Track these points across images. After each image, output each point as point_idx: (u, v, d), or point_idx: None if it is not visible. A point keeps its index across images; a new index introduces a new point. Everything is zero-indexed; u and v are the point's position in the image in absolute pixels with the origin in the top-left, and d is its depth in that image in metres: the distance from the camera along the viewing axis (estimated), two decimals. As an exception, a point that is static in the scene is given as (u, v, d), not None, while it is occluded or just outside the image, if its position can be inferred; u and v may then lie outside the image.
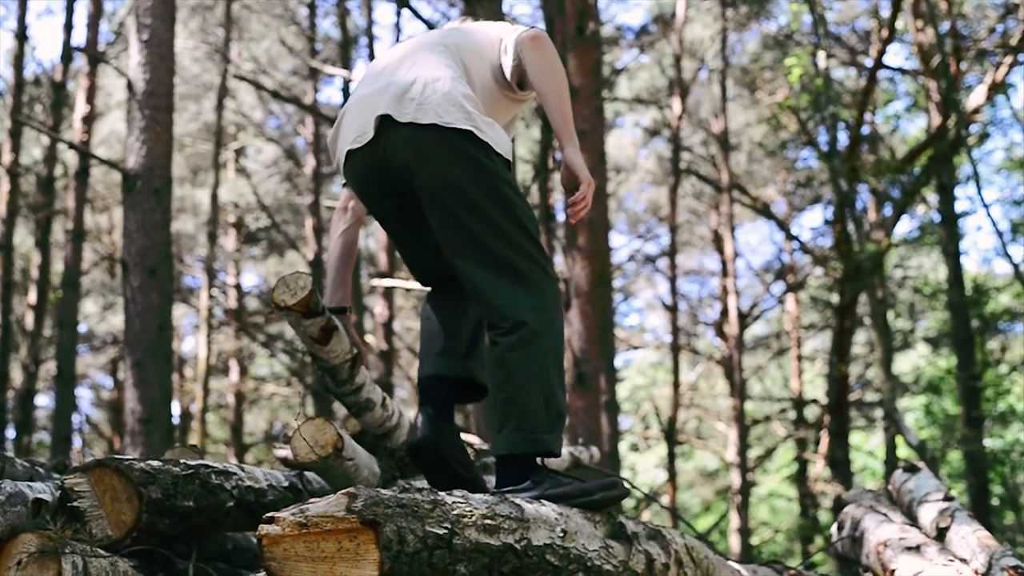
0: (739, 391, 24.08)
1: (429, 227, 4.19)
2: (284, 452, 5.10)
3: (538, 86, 4.17)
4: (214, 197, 21.94)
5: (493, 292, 3.99)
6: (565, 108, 4.15)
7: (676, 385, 25.03)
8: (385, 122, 4.07)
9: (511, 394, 3.91)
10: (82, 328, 29.53)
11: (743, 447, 24.16)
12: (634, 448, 32.92)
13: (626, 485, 3.91)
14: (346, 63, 22.05)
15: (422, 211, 4.17)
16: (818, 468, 25.71)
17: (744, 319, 25.76)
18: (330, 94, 50.74)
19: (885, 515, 5.21)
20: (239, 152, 28.08)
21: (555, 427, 3.97)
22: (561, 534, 3.31)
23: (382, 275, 21.69)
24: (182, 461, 3.51)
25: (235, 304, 27.22)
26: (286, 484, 3.93)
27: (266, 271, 30.18)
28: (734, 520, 24.19)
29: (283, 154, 27.39)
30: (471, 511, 2.97)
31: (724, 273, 25.21)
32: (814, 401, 26.30)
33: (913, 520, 5.28)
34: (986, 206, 15.15)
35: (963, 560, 4.45)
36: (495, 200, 4.00)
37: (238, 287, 27.51)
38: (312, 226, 22.63)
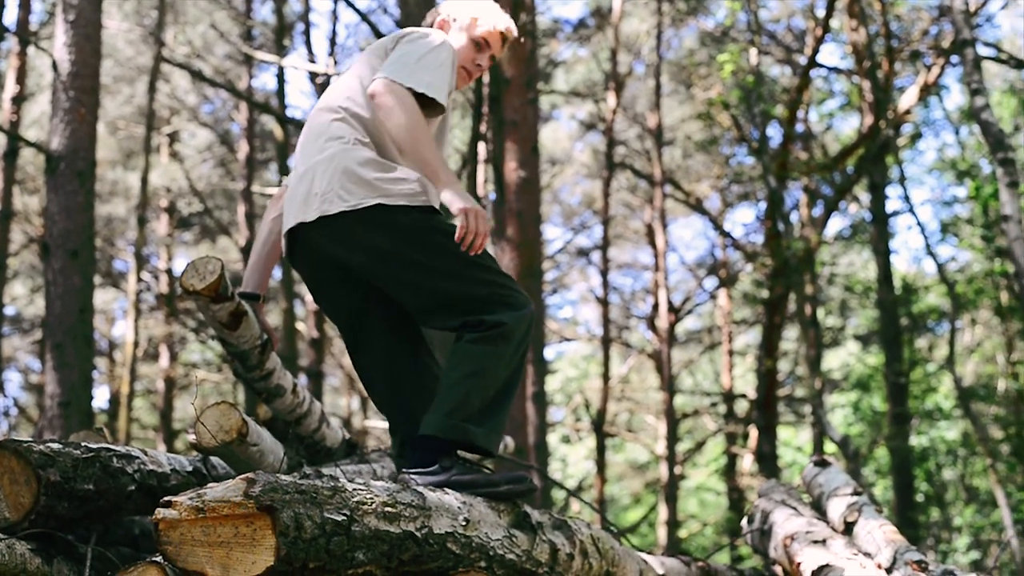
0: (669, 385, 24.18)
1: (378, 318, 4.25)
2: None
3: (390, 136, 4.15)
4: (144, 181, 21.72)
5: (459, 320, 4.01)
6: (420, 152, 4.02)
7: (607, 378, 25.08)
8: (298, 227, 4.08)
9: (454, 380, 3.91)
10: (11, 311, 29.24)
11: (672, 440, 24.26)
12: (565, 440, 33.00)
13: (535, 479, 3.91)
14: (281, 50, 21.93)
15: (367, 303, 4.22)
16: (746, 462, 25.87)
17: (676, 313, 25.84)
18: (265, 80, 50.40)
19: (795, 508, 5.26)
20: (172, 136, 27.85)
21: (486, 423, 3.96)
22: (463, 523, 3.31)
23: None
24: (83, 444, 3.47)
25: (166, 289, 26.99)
26: (190, 469, 3.91)
27: (198, 256, 29.92)
28: (663, 513, 24.31)
29: (217, 139, 27.24)
30: (371, 498, 2.97)
31: (656, 267, 25.28)
32: (743, 396, 26.45)
33: (822, 514, 5.33)
34: (911, 206, 15.34)
35: (868, 555, 4.50)
36: (430, 251, 4.02)
37: (169, 272, 27.27)
38: (244, 212, 22.50)
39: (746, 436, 26.46)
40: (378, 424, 19.61)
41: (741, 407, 27.51)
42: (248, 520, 2.60)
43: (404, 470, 3.87)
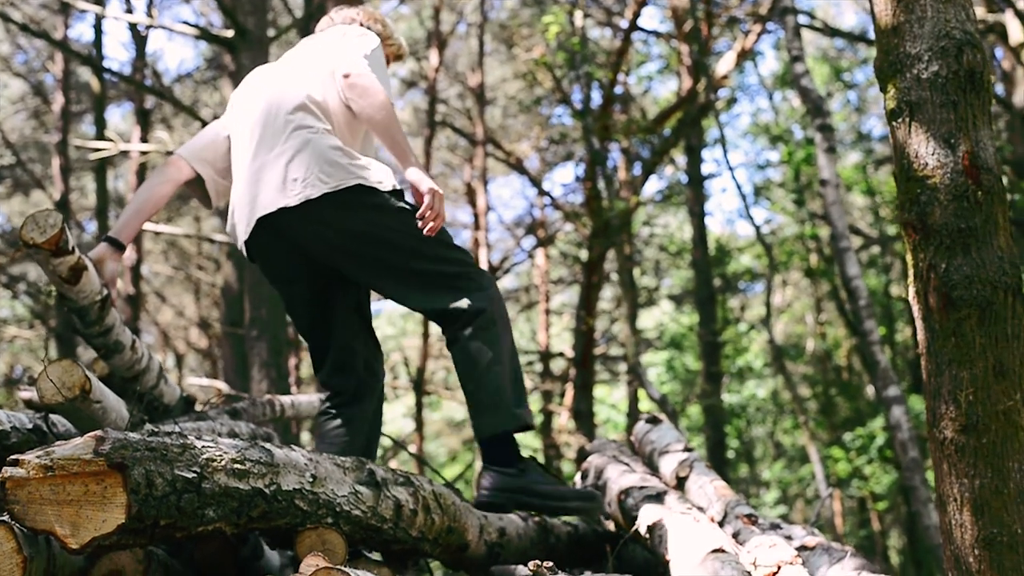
0: (488, 343, 24.23)
1: (335, 298, 4.46)
2: (29, 394, 4.99)
3: (366, 122, 4.27)
4: (-46, 132, 21.09)
5: (437, 305, 4.22)
6: (394, 134, 4.20)
7: (426, 336, 25.14)
8: (278, 212, 4.21)
9: (480, 379, 4.13)
10: None
11: (490, 398, 24.31)
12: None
13: (602, 501, 4.10)
14: (98, -1, 21.41)
15: (327, 284, 4.40)
16: (563, 420, 26.14)
17: (495, 272, 25.95)
18: (81, 30, 49.09)
19: (627, 465, 5.35)
20: (-17, 87, 27.06)
21: (524, 402, 4.20)
22: (311, 479, 3.32)
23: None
24: (-81, 402, 3.39)
25: (-23, 243, 26.22)
26: (30, 426, 3.84)
27: (10, 210, 29.20)
28: (479, 470, 24.45)
29: (30, 90, 26.51)
30: (221, 455, 2.95)
31: (476, 226, 25.32)
32: (560, 354, 26.72)
33: (654, 470, 5.43)
34: (731, 169, 15.61)
35: (700, 508, 4.62)
36: (403, 231, 4.20)
37: (-19, 226, 26.52)
38: (59, 165, 21.93)
39: (563, 394, 26.73)
40: (196, 382, 19.38)
41: (557, 365, 27.79)
42: (98, 478, 2.57)
43: (486, 464, 4.21)
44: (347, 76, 4.24)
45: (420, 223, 4.15)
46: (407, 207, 4.28)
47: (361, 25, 4.79)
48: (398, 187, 4.32)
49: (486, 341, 4.10)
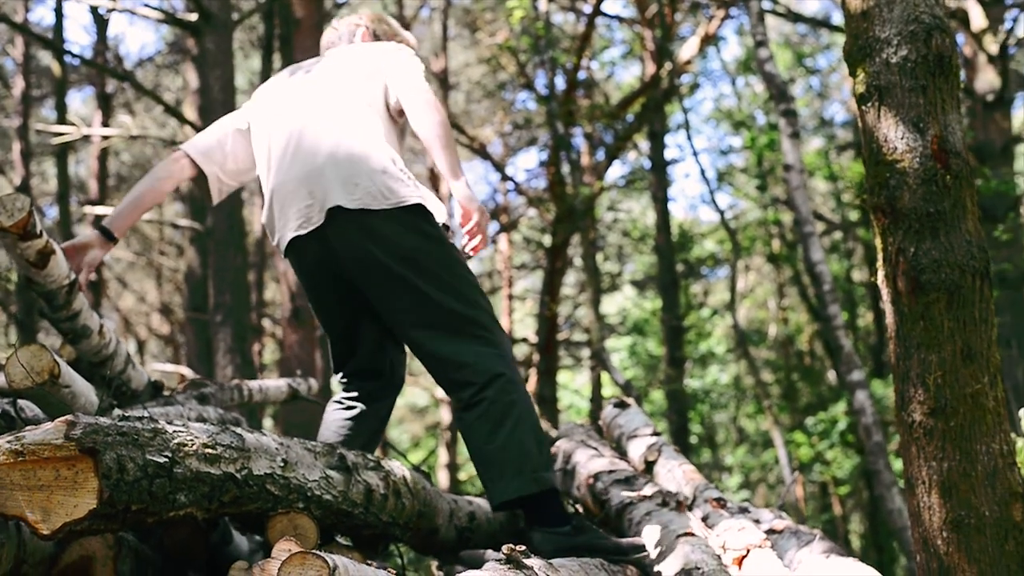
0: (451, 328, 24.17)
1: (368, 312, 4.42)
2: (-4, 380, 4.96)
3: (420, 134, 4.22)
4: (-88, 117, 20.88)
5: (460, 354, 4.14)
6: (452, 147, 4.19)
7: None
8: (334, 210, 4.14)
9: (504, 441, 4.04)
10: None
11: (453, 384, 24.28)
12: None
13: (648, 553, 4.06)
14: (59, -18, 21.21)
15: (365, 297, 4.32)
16: (526, 405, 26.06)
17: (458, 258, 25.89)
18: (42, 13, 48.71)
19: (596, 449, 5.37)
20: (-59, 70, 26.79)
21: (550, 465, 4.12)
22: (282, 464, 3.32)
23: (92, 202, 21.05)
24: None
25: (-66, 228, 25.91)
26: (-2, 412, 3.83)
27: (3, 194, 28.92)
28: (443, 456, 24.47)
29: (-11, 74, 26.33)
30: (192, 440, 2.94)
31: (440, 212, 25.25)
32: (524, 340, 26.73)
33: (623, 454, 5.45)
34: (695, 154, 15.66)
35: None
36: (447, 266, 4.16)
37: (-63, 211, 26.17)
38: (20, 150, 21.75)
39: (526, 379, 26.73)
40: (160, 367, 19.33)
41: (521, 351, 27.79)
42: (70, 463, 2.55)
43: (536, 526, 4.07)
44: (409, 92, 4.23)
45: (467, 239, 4.16)
46: (453, 246, 4.27)
47: (367, 28, 4.78)
48: (446, 223, 4.30)
49: (509, 403, 4.04)
